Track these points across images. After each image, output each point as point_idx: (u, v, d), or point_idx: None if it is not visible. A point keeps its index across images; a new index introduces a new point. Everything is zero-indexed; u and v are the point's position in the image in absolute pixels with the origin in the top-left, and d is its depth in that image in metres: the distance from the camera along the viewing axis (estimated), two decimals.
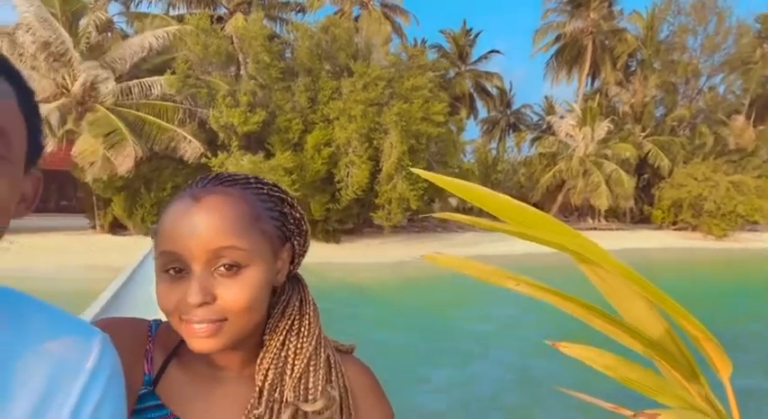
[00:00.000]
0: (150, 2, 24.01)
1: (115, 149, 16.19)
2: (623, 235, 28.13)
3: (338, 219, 20.94)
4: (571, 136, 30.21)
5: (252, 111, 18.55)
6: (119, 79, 17.92)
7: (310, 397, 0.71)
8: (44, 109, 16.76)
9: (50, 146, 16.76)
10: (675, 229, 30.89)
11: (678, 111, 33.57)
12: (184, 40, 18.51)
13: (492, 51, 39.72)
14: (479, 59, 39.22)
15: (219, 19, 23.13)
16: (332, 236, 20.93)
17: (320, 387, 0.72)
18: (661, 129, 32.96)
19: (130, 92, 18.25)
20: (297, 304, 0.77)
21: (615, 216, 32.63)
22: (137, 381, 0.73)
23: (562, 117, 32.01)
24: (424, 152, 20.22)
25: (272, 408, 0.70)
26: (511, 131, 41.01)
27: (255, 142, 19.41)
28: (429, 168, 20.45)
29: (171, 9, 24.31)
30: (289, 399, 0.70)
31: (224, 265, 0.67)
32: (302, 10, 26.76)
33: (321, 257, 15.84)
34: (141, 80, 18.34)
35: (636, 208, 32.85)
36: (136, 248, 15.16)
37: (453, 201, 28.54)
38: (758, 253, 25.47)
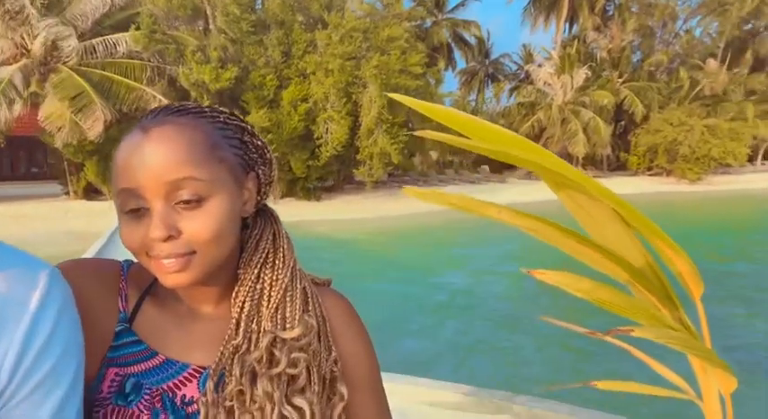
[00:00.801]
0: None
1: (83, 113, 15.61)
2: (601, 182, 28.52)
3: (318, 177, 20.81)
4: (549, 84, 30.06)
5: (223, 67, 17.98)
6: (81, 37, 17.10)
7: (288, 326, 0.71)
8: (5, 71, 16.00)
9: (16, 110, 16.13)
10: (651, 175, 31.42)
11: (655, 55, 33.49)
12: None
13: None
14: (456, 7, 38.24)
15: None
16: (312, 193, 20.85)
17: (297, 317, 0.72)
18: (638, 75, 32.95)
19: (94, 50, 17.47)
20: (270, 237, 0.76)
21: (592, 163, 33.00)
22: (111, 319, 0.73)
23: (540, 65, 31.72)
24: (404, 105, 19.96)
25: (249, 338, 0.70)
26: (490, 82, 40.58)
27: (229, 99, 18.91)
28: (408, 122, 20.27)
29: None
30: (266, 328, 0.70)
31: (184, 199, 0.66)
32: None
33: (302, 215, 15.83)
34: (105, 37, 17.54)
35: (612, 155, 33.23)
36: (113, 213, 14.94)
37: (434, 154, 28.51)
38: (733, 194, 26.17)
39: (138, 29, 17.16)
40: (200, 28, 20.08)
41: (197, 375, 0.72)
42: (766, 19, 35.08)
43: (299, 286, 0.75)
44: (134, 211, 0.67)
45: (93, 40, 17.48)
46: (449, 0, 37.99)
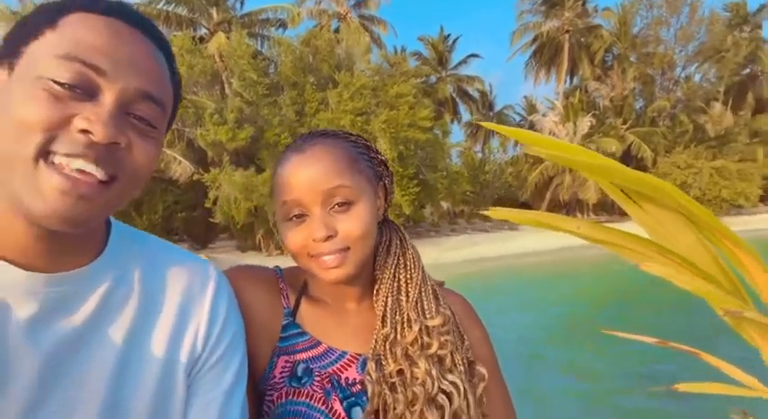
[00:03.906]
0: None
1: None
2: (612, 227, 28.49)
3: None
4: (554, 133, 30.62)
5: (239, 127, 18.63)
6: None
7: (428, 316, 0.84)
8: None
9: None
10: None
11: (658, 102, 34.18)
12: None
13: (471, 55, 40.24)
14: (459, 64, 39.70)
15: (201, 39, 23.21)
16: None
17: (434, 308, 0.85)
18: (642, 121, 33.51)
19: None
20: (397, 242, 0.91)
21: (603, 209, 33.02)
22: (278, 314, 0.87)
23: (544, 115, 32.47)
24: (413, 158, 20.42)
25: (395, 328, 0.83)
26: (494, 133, 41.43)
27: (245, 158, 19.47)
28: (418, 173, 20.64)
29: None
30: (413, 318, 0.83)
31: (338, 203, 0.80)
32: (282, 25, 26.93)
33: None
34: None
35: None
36: None
37: (444, 204, 28.72)
38: (746, 236, 25.87)
39: None
40: (217, 92, 20.98)
41: (355, 360, 0.85)
42: (762, 64, 35.96)
43: (429, 283, 0.89)
44: (296, 218, 0.82)
45: None
46: (452, 58, 39.53)
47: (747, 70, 37.29)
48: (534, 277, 15.66)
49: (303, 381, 0.82)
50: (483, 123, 0.71)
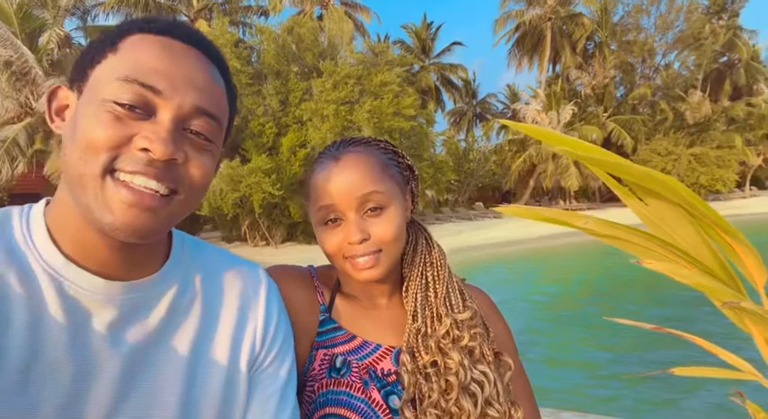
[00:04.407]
0: (107, 14, 23.51)
1: None
2: (594, 213, 28.91)
3: None
4: (537, 121, 30.87)
5: None
6: None
7: (456, 310, 0.90)
8: (10, 130, 16.34)
9: (19, 168, 16.38)
10: None
11: (638, 89, 34.60)
12: None
13: (454, 43, 40.21)
14: (442, 52, 39.65)
15: None
16: (314, 237, 20.93)
17: (461, 304, 0.92)
18: (623, 109, 33.94)
19: None
20: (423, 241, 0.97)
21: (585, 196, 33.51)
22: (315, 310, 0.92)
23: (527, 103, 32.68)
24: (398, 147, 20.38)
25: (425, 322, 0.90)
26: (478, 121, 41.59)
27: (230, 148, 19.29)
28: None
29: None
30: (442, 313, 0.89)
31: (370, 208, 0.86)
32: (264, 13, 26.61)
33: (306, 260, 15.78)
34: None
35: (604, 187, 33.75)
36: None
37: (429, 193, 28.85)
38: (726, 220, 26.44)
39: None
40: None
41: (389, 352, 0.91)
42: (740, 52, 36.57)
43: (454, 280, 0.95)
44: (331, 222, 0.88)
45: None
46: (435, 46, 39.45)
47: (725, 58, 37.92)
48: (519, 264, 15.88)
49: (342, 372, 0.88)
50: (504, 121, 0.74)
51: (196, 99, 0.66)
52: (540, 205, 34.05)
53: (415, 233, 0.98)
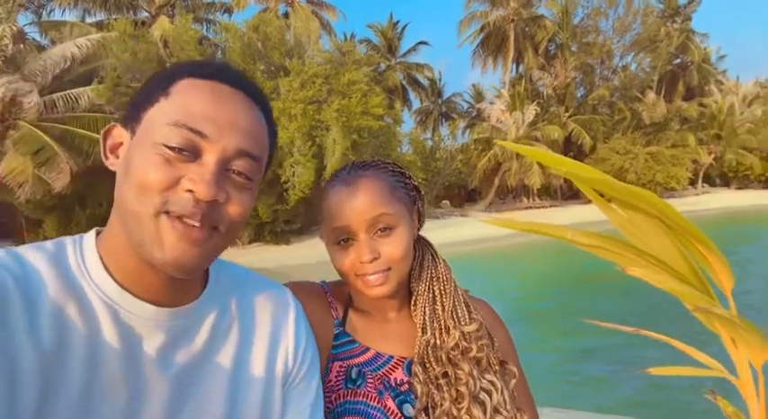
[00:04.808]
0: (63, 9, 22.69)
1: (47, 166, 15.34)
2: (557, 211, 29.66)
3: (286, 220, 20.82)
4: (501, 121, 31.42)
5: None
6: (41, 92, 16.92)
7: (463, 323, 0.97)
8: None
9: None
10: None
11: (597, 90, 35.62)
12: (110, 47, 17.71)
13: (420, 43, 40.49)
14: (408, 51, 39.84)
15: (142, 23, 22.24)
16: (281, 237, 20.80)
17: (467, 316, 0.98)
18: (583, 109, 34.87)
19: (55, 105, 17.28)
20: (429, 257, 1.02)
21: (548, 194, 34.30)
22: (330, 324, 0.98)
23: (492, 103, 33.21)
24: (367, 146, 20.49)
25: (434, 334, 0.95)
26: (444, 120, 42.01)
27: None
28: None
29: (87, 16, 23.09)
30: (450, 326, 0.95)
31: (380, 229, 0.92)
32: (228, 10, 26.17)
33: (275, 260, 15.67)
34: (66, 92, 17.39)
35: (565, 185, 34.67)
36: None
37: None
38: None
39: (101, 83, 17.12)
40: None
41: (401, 363, 0.97)
42: (692, 54, 38.13)
43: (460, 292, 1.01)
44: (343, 242, 0.93)
45: (54, 95, 17.31)
46: (401, 45, 39.63)
47: (678, 60, 39.46)
48: (487, 262, 16.18)
49: (358, 383, 0.93)
50: (502, 143, 0.84)
51: (240, 142, 0.70)
52: (504, 203, 34.72)
53: (421, 249, 1.04)
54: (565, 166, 0.72)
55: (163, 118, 0.68)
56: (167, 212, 0.66)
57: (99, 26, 20.84)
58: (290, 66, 19.42)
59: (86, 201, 17.82)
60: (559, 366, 6.66)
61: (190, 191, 0.67)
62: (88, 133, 16.92)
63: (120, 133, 0.73)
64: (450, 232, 20.57)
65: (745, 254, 14.39)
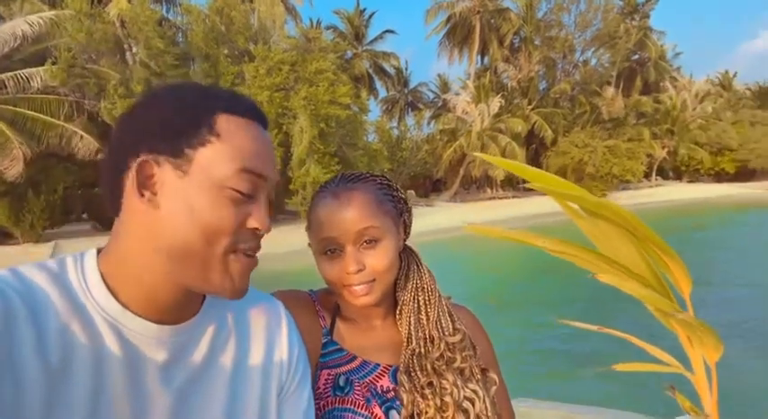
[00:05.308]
0: None
1: None
2: (519, 202, 30.31)
3: None
4: (467, 112, 31.75)
5: None
6: None
7: (447, 333, 1.00)
8: None
9: None
10: None
11: (559, 84, 36.39)
12: (64, 26, 16.93)
13: (386, 31, 40.26)
14: (375, 39, 39.64)
15: (99, 1, 21.30)
16: None
17: (451, 326, 1.01)
18: (545, 102, 35.58)
19: (5, 86, 16.44)
20: (415, 267, 1.05)
21: (510, 185, 34.97)
22: (318, 333, 1.00)
23: (457, 94, 33.48)
24: (334, 135, 20.38)
25: (419, 343, 0.98)
26: (410, 110, 42.13)
27: None
28: (339, 150, 20.67)
29: None
30: (435, 336, 0.98)
31: (366, 241, 0.94)
32: None
33: None
34: (16, 72, 16.57)
35: None
36: (26, 258, 13.86)
37: None
38: (635, 208, 28.52)
39: (54, 63, 16.38)
40: (120, 61, 19.49)
41: (387, 371, 1.00)
42: (649, 51, 39.39)
43: (444, 302, 1.04)
44: (330, 252, 0.96)
45: (3, 75, 16.47)
46: (368, 33, 39.38)
47: (636, 56, 40.69)
48: (453, 251, 16.42)
49: (346, 391, 0.95)
50: (484, 156, 0.80)
51: (275, 175, 0.78)
52: (468, 193, 35.20)
53: (407, 258, 1.06)
54: (541, 181, 0.77)
55: (226, 162, 0.71)
56: (235, 250, 0.72)
57: (52, 3, 19.85)
58: (255, 52, 19.07)
59: (40, 187, 17.11)
60: (520, 357, 6.84)
61: (256, 229, 0.74)
62: (41, 116, 16.22)
63: (151, 166, 0.70)
64: (419, 221, 20.74)
65: (694, 244, 15.11)
